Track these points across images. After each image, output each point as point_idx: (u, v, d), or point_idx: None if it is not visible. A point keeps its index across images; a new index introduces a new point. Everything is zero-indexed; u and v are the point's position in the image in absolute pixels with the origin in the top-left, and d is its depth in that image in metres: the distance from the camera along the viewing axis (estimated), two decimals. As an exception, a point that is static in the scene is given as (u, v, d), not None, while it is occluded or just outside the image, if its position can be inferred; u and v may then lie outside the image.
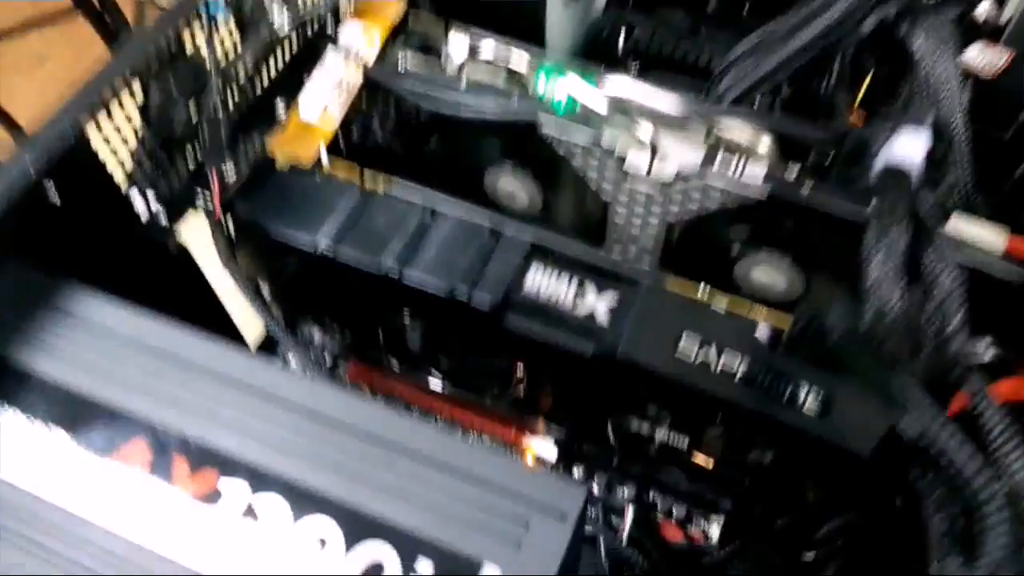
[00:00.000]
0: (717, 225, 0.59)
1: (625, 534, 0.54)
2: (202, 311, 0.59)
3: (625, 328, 0.48)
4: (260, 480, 0.36)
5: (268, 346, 0.71)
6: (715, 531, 0.58)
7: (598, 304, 0.50)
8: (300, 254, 0.54)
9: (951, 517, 0.36)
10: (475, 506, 0.36)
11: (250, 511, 0.35)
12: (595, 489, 0.62)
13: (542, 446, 0.64)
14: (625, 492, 0.61)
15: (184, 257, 0.57)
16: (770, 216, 0.55)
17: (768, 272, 0.59)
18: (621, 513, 0.58)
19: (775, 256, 0.58)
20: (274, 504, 0.36)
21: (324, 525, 0.35)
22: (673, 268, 0.52)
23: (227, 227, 0.56)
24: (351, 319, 0.63)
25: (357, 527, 0.35)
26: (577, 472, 0.64)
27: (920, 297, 0.38)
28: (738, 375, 0.47)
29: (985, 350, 0.43)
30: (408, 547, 0.35)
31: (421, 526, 0.36)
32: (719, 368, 0.47)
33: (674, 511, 0.60)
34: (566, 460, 0.65)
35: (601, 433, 0.58)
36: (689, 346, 0.47)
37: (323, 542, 0.35)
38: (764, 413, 0.46)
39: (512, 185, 0.65)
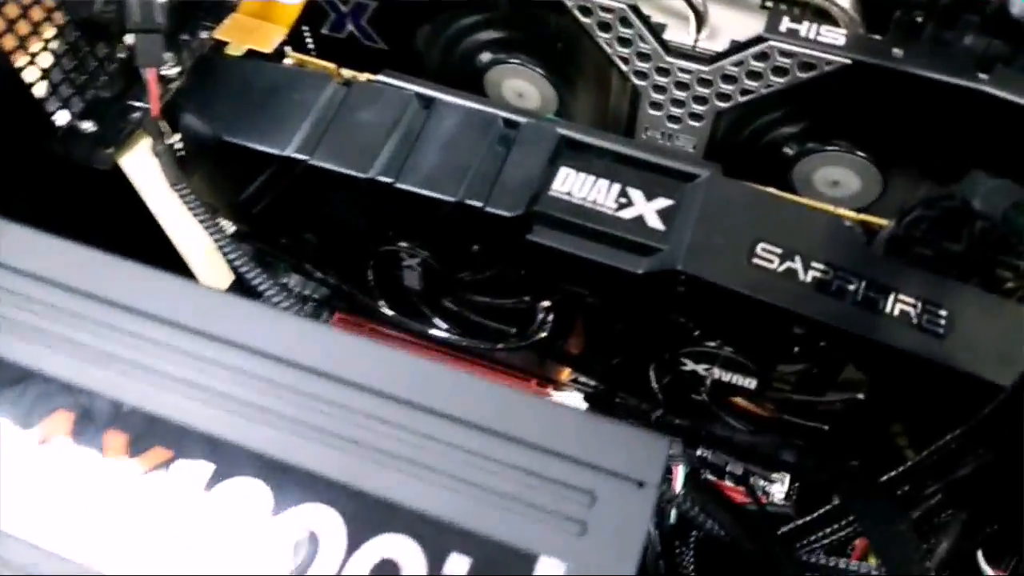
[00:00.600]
0: (774, 116, 0.48)
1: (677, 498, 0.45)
2: (145, 255, 0.47)
3: (686, 235, 0.38)
4: (229, 459, 0.26)
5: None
6: (777, 491, 0.49)
7: (648, 207, 0.39)
8: (266, 168, 0.43)
9: None
10: (522, 479, 0.26)
11: (217, 502, 0.25)
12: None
13: (569, 400, 0.54)
14: (671, 449, 0.52)
15: (118, 182, 0.46)
16: (846, 96, 0.44)
17: (838, 172, 0.49)
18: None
19: (847, 150, 0.48)
20: (250, 491, 0.26)
21: (320, 517, 0.25)
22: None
23: (170, 137, 0.45)
24: (334, 254, 0.52)
25: (365, 517, 0.25)
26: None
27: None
28: (833, 286, 0.37)
29: None
30: (435, 541, 0.25)
31: (451, 512, 0.26)
32: (808, 278, 0.37)
33: (728, 470, 0.51)
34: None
35: (640, 380, 0.48)
36: (769, 252, 0.37)
37: (317, 540, 0.25)
38: (867, 336, 0.36)
39: (520, 84, 0.54)
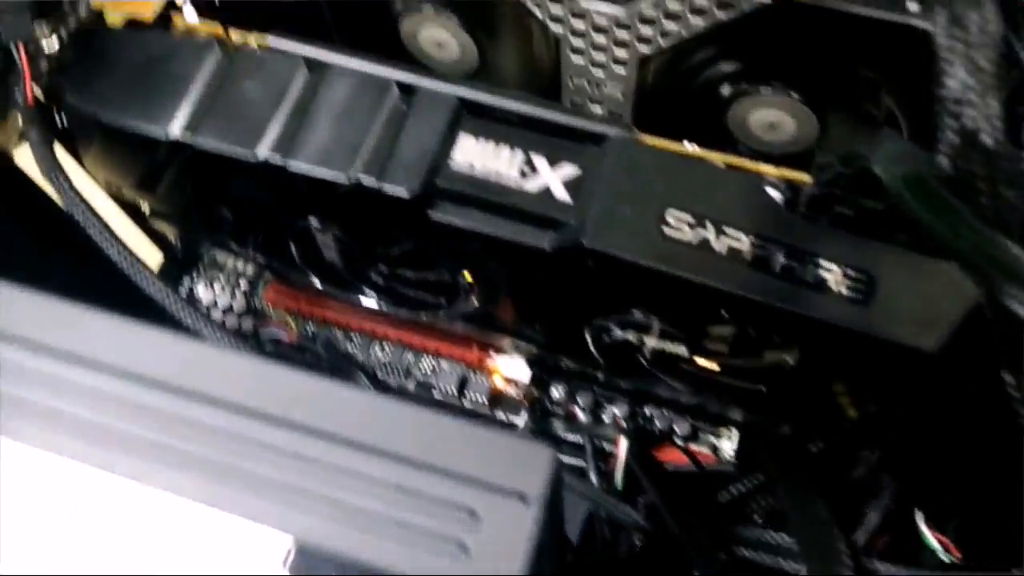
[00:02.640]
0: (699, 58, 0.45)
1: (620, 471, 0.44)
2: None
3: (593, 206, 0.36)
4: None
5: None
6: (726, 446, 0.47)
7: (553, 176, 0.37)
8: (155, 149, 0.41)
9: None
10: (395, 499, 0.25)
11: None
12: (580, 414, 0.50)
13: (511, 365, 0.52)
14: (616, 412, 0.50)
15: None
16: (773, 34, 0.41)
17: (772, 114, 0.46)
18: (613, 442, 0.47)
19: (780, 91, 0.45)
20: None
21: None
22: (650, 127, 0.39)
23: (57, 121, 0.42)
24: (253, 230, 0.49)
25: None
26: (557, 392, 0.52)
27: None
28: (749, 256, 0.34)
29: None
30: (307, 565, 0.24)
31: (320, 537, 0.24)
32: (722, 247, 0.34)
33: (676, 429, 0.49)
34: (542, 379, 0.52)
35: (579, 344, 0.46)
36: (680, 219, 0.35)
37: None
38: (785, 308, 0.34)
39: (438, 33, 0.50)
